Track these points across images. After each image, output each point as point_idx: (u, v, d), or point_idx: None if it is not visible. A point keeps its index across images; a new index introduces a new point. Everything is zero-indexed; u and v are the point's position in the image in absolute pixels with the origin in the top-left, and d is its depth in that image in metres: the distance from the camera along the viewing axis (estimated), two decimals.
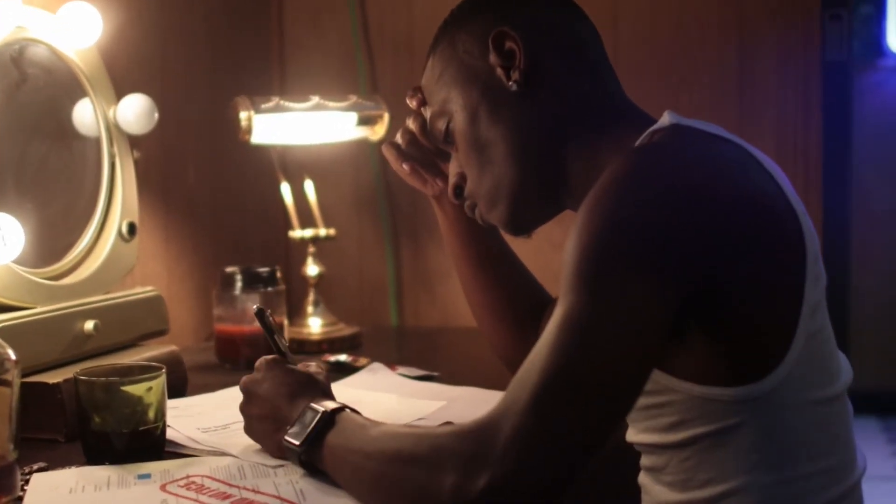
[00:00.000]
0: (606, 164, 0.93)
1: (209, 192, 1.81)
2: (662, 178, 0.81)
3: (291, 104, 1.60)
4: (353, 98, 1.67)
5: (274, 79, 2.02)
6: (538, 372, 0.76)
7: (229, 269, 1.51)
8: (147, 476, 0.95)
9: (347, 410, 0.94)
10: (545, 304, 1.27)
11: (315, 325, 1.66)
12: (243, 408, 1.03)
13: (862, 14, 2.92)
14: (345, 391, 1.26)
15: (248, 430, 1.03)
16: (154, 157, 1.62)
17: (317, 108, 1.62)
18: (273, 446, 0.99)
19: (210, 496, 0.90)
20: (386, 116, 1.68)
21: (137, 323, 1.32)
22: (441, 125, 1.04)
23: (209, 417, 1.14)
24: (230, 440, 1.05)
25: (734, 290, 0.81)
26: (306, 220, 1.73)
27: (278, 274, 1.54)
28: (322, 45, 2.01)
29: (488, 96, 0.99)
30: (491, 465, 0.75)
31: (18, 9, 1.21)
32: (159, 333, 1.36)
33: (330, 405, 0.94)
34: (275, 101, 1.60)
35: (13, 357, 0.89)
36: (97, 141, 1.35)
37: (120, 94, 1.37)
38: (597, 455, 0.76)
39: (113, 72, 1.39)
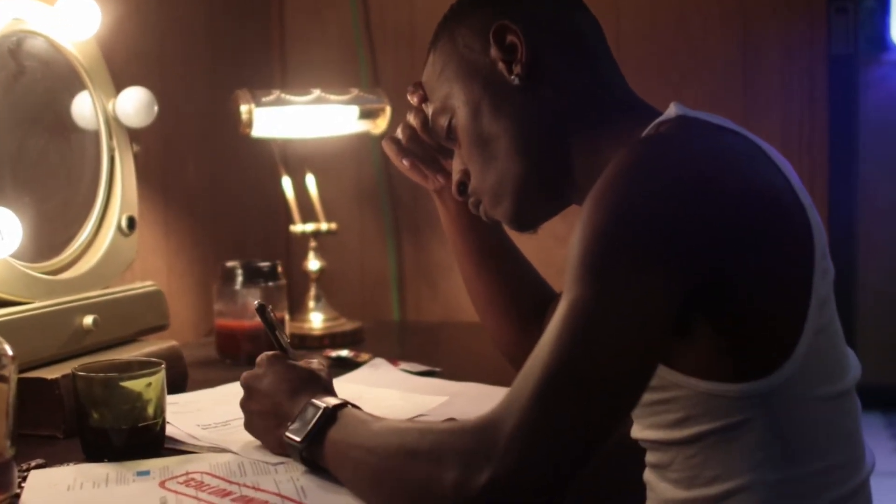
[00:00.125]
0: (611, 156, 0.92)
1: (209, 185, 1.80)
2: (669, 170, 0.80)
3: (292, 97, 1.59)
4: (355, 91, 1.66)
5: (275, 72, 2.01)
6: (541, 367, 0.75)
7: (230, 264, 1.50)
8: (146, 473, 0.94)
9: (349, 406, 0.94)
10: (549, 299, 1.26)
11: (316, 320, 1.66)
12: (244, 403, 1.02)
13: (867, 7, 2.90)
14: (346, 387, 1.25)
15: (249, 426, 1.02)
16: (154, 150, 1.61)
17: (318, 101, 1.61)
18: (274, 442, 0.98)
19: (210, 493, 0.89)
20: (388, 110, 1.67)
21: (137, 318, 1.31)
22: (443, 122, 1.03)
23: (209, 414, 1.13)
24: (230, 437, 1.04)
25: (741, 283, 0.80)
26: (307, 215, 1.72)
27: (279, 268, 1.53)
28: (323, 38, 2.00)
29: (490, 91, 0.98)
30: (493, 461, 0.74)
31: (16, 0, 1.20)
32: (159, 329, 1.35)
33: (332, 401, 0.94)
34: (276, 94, 1.59)
35: (10, 353, 0.88)
36: (96, 134, 1.34)
37: (119, 86, 1.36)
38: (599, 451, 0.75)
39: (112, 64, 1.38)
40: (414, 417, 1.12)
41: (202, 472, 0.94)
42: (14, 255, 1.16)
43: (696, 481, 0.86)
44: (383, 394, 1.24)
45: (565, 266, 0.80)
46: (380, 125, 1.67)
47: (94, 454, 0.99)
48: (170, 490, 0.89)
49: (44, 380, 1.10)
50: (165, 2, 1.69)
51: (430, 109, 1.06)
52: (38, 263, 1.22)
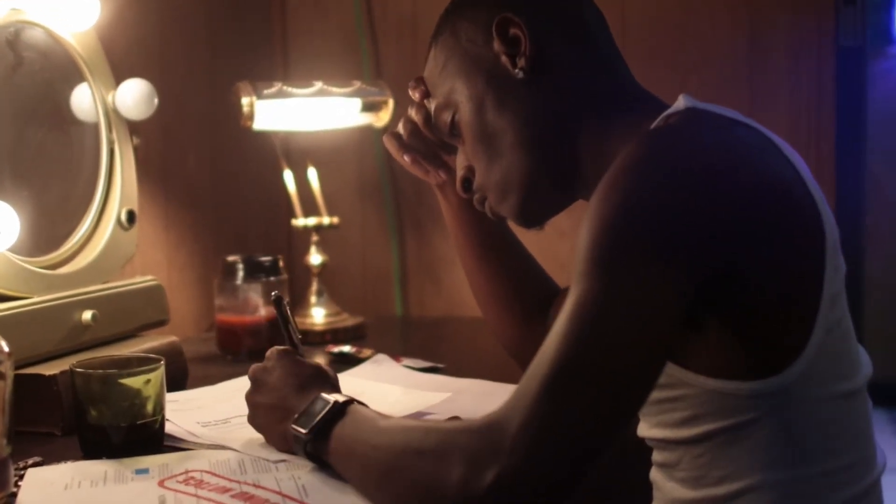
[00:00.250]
0: (618, 149, 0.91)
1: (210, 179, 1.79)
2: (677, 161, 0.79)
3: (294, 90, 1.58)
4: (357, 84, 1.65)
5: (276, 64, 2.00)
6: (548, 362, 0.74)
7: (231, 258, 1.49)
8: (145, 471, 0.92)
9: (356, 403, 0.92)
10: (553, 294, 1.25)
11: (318, 316, 1.64)
12: (249, 396, 1.01)
13: (874, 0, 2.88)
14: (349, 382, 1.24)
15: (253, 419, 1.01)
16: (154, 143, 1.60)
17: (320, 93, 1.60)
18: (277, 437, 0.97)
19: (209, 491, 0.87)
20: (390, 102, 1.66)
21: (137, 313, 1.30)
22: (446, 117, 1.02)
23: (209, 411, 1.12)
24: (230, 435, 1.03)
25: (751, 277, 0.78)
26: (309, 208, 1.71)
27: (281, 263, 1.52)
28: (325, 30, 1.98)
29: (494, 85, 0.97)
30: (499, 459, 0.73)
31: None
32: (159, 324, 1.34)
33: (341, 397, 0.93)
34: (277, 86, 1.58)
35: (6, 349, 0.87)
36: (95, 127, 1.32)
37: (119, 78, 1.35)
38: (608, 449, 0.74)
39: (111, 56, 1.36)
40: (416, 414, 1.11)
41: (202, 471, 0.92)
42: (12, 250, 1.15)
43: (703, 481, 0.85)
44: (386, 390, 1.23)
45: (573, 261, 0.79)
46: (382, 118, 1.67)
47: (92, 452, 0.98)
48: (169, 489, 0.88)
49: (42, 376, 1.09)
50: None
51: (432, 105, 1.05)
52: (37, 258, 1.21)
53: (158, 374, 1.00)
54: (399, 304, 1.98)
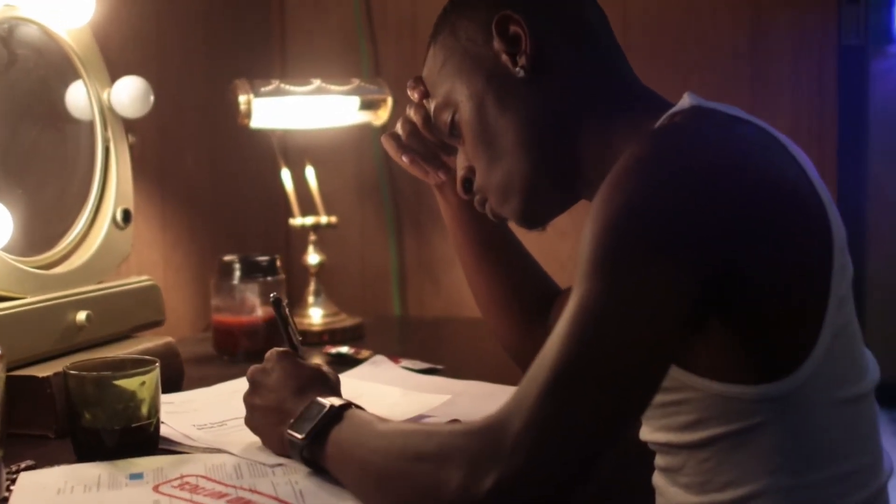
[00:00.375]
0: (621, 149, 0.90)
1: (207, 178, 1.77)
2: (681, 161, 0.77)
3: (292, 87, 1.57)
4: (356, 81, 1.64)
5: (274, 61, 1.98)
6: (549, 364, 0.73)
7: (228, 258, 1.48)
8: (139, 476, 0.91)
9: (354, 407, 0.91)
10: (553, 295, 1.24)
11: (316, 316, 1.63)
12: (247, 398, 1.00)
13: None
14: (347, 384, 1.22)
15: (250, 421, 0.99)
16: (150, 141, 1.58)
17: (318, 91, 1.59)
18: (274, 440, 0.96)
19: (205, 496, 0.86)
20: (389, 101, 1.65)
21: (132, 314, 1.28)
22: (446, 117, 1.00)
23: (205, 414, 1.11)
24: (227, 438, 1.02)
25: (756, 278, 0.77)
26: (307, 208, 1.70)
27: (278, 263, 1.51)
28: (324, 27, 1.97)
29: (494, 84, 0.96)
30: (499, 462, 0.71)
31: None
32: (155, 324, 1.33)
33: (337, 401, 0.91)
34: (275, 84, 1.56)
35: None
36: (90, 125, 1.31)
37: (114, 75, 1.33)
38: (610, 452, 0.73)
39: (107, 52, 1.35)
40: (416, 418, 1.09)
41: (197, 476, 0.91)
42: (5, 249, 1.13)
43: (708, 486, 0.84)
44: (384, 391, 1.22)
45: (573, 261, 0.77)
46: (381, 116, 1.65)
47: (86, 455, 0.96)
48: (164, 494, 0.87)
49: (35, 378, 1.07)
50: None
51: (431, 105, 1.03)
52: (30, 257, 1.19)
53: (153, 377, 0.98)
54: (397, 304, 1.96)
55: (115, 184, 1.31)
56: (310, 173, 1.73)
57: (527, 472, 0.71)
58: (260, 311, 1.46)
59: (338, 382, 1.00)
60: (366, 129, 1.80)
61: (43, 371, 1.08)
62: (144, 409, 0.97)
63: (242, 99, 1.53)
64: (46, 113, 1.28)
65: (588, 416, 0.71)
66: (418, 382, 1.28)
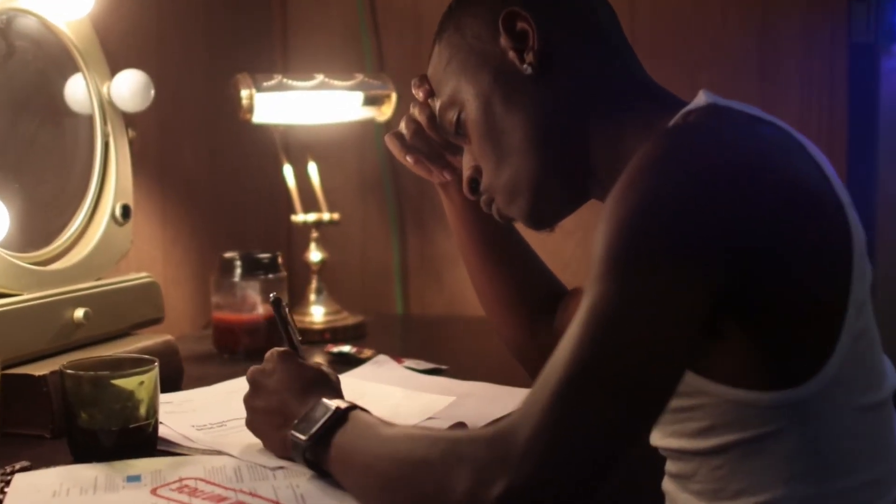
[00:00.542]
0: (633, 147, 0.88)
1: (208, 173, 1.75)
2: (697, 160, 0.75)
3: (295, 82, 1.55)
4: (359, 77, 1.62)
5: (276, 55, 1.96)
6: (561, 369, 0.71)
7: (228, 255, 1.46)
8: (137, 479, 0.89)
9: (359, 409, 0.89)
10: (559, 295, 1.22)
11: (318, 314, 1.61)
12: (248, 400, 0.98)
13: None
14: (349, 384, 1.20)
15: (251, 424, 0.97)
16: (150, 136, 1.56)
17: (321, 86, 1.57)
18: (276, 443, 0.94)
19: (204, 500, 0.84)
20: (393, 96, 1.63)
21: (131, 311, 1.26)
22: (451, 116, 0.99)
23: (205, 414, 1.09)
24: (226, 439, 1.00)
25: (774, 282, 0.75)
26: (309, 204, 1.68)
27: (280, 260, 1.49)
28: (327, 21, 1.95)
29: (501, 82, 0.94)
30: (509, 470, 0.69)
31: None
32: (154, 322, 1.31)
33: (342, 403, 0.90)
34: (277, 78, 1.55)
35: None
36: (90, 119, 1.29)
37: (114, 69, 1.32)
38: (623, 462, 0.71)
39: (107, 45, 1.33)
40: (421, 420, 1.07)
41: (196, 478, 0.89)
42: (2, 245, 1.12)
43: (721, 494, 0.82)
44: (388, 392, 1.20)
45: (578, 260, 0.75)
46: (385, 112, 1.63)
47: (82, 456, 0.95)
48: (162, 497, 0.85)
49: (31, 376, 1.05)
50: None
51: (436, 104, 1.01)
52: (28, 253, 1.18)
53: (152, 376, 0.96)
54: (400, 302, 1.94)
55: (114, 179, 1.29)
56: (312, 169, 1.71)
57: (537, 479, 0.69)
58: (261, 309, 1.44)
59: (338, 383, 0.99)
60: (369, 124, 1.78)
61: (39, 370, 1.06)
62: (143, 410, 0.95)
63: (244, 93, 1.51)
64: (45, 106, 1.26)
65: (600, 423, 0.69)
66: (422, 383, 1.26)
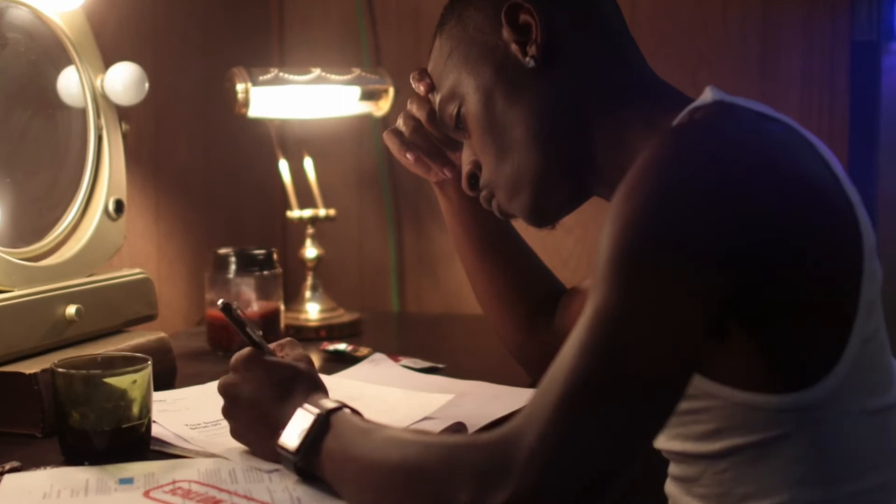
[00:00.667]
0: (637, 144, 0.86)
1: (202, 168, 1.73)
2: (705, 160, 0.74)
3: (291, 76, 1.53)
4: (357, 71, 1.60)
5: (273, 49, 1.94)
6: (565, 374, 0.69)
7: (223, 251, 1.44)
8: (129, 481, 0.87)
9: (345, 410, 0.87)
10: (558, 294, 1.21)
11: (313, 311, 1.59)
12: (227, 413, 0.94)
13: None
14: (345, 383, 1.19)
15: (237, 435, 0.94)
16: (144, 130, 1.55)
17: (318, 80, 1.55)
18: (266, 451, 0.91)
19: (197, 502, 0.82)
20: (391, 91, 1.61)
21: (124, 307, 1.24)
22: (452, 110, 0.97)
23: (198, 412, 1.07)
24: (220, 438, 0.98)
25: (782, 283, 0.73)
26: (305, 200, 1.66)
27: (275, 256, 1.47)
28: (324, 15, 1.93)
29: (503, 76, 0.92)
30: (512, 478, 0.68)
31: None
32: (147, 319, 1.29)
33: (326, 405, 0.87)
34: (273, 72, 1.53)
35: None
36: (83, 112, 1.27)
37: (108, 61, 1.29)
38: (628, 469, 0.69)
39: (101, 38, 1.31)
40: (418, 419, 1.05)
41: (190, 481, 0.87)
42: None
43: (726, 499, 0.81)
44: (384, 392, 1.18)
45: (578, 258, 0.74)
46: (382, 107, 1.62)
47: (73, 457, 0.93)
48: (155, 499, 0.83)
49: (21, 374, 1.03)
50: None
51: (436, 98, 0.99)
52: (18, 249, 1.16)
53: (145, 375, 0.94)
54: (396, 300, 1.93)
55: (107, 173, 1.27)
56: (308, 165, 1.69)
57: (541, 486, 0.67)
58: (256, 306, 1.42)
59: (313, 370, 0.94)
60: (366, 119, 1.76)
61: (30, 367, 1.04)
62: (135, 409, 0.93)
63: (240, 87, 1.49)
64: (37, 99, 1.24)
65: (606, 431, 0.68)
66: (419, 382, 1.25)
